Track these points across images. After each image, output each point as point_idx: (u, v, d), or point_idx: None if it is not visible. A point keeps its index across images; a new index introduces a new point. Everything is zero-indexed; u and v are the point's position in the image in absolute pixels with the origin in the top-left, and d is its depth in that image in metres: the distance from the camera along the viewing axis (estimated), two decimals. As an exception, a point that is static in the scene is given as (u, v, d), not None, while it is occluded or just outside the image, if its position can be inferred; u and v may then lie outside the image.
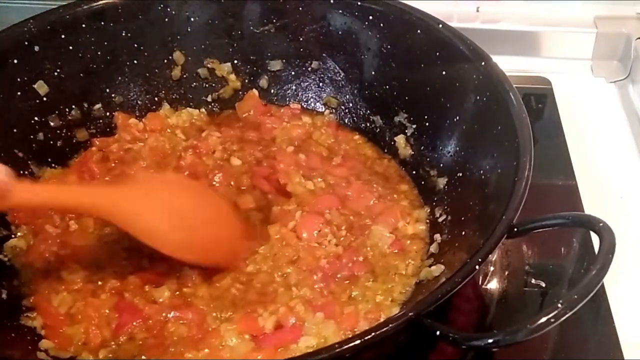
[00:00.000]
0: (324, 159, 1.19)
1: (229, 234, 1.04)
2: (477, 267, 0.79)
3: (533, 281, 1.05)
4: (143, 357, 0.92)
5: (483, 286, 1.05)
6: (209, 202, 1.05)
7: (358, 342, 0.73)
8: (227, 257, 1.03)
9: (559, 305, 0.70)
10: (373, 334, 0.74)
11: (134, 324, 0.95)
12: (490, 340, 0.72)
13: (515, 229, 0.83)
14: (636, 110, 1.37)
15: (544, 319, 0.71)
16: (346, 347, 0.73)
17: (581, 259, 1.11)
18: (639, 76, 1.42)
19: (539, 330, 0.70)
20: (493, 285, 1.05)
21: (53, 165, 1.16)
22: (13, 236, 1.06)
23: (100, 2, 1.19)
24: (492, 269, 1.07)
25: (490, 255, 0.81)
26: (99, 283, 1.00)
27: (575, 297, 0.71)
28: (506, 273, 1.06)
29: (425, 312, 0.75)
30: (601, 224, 0.79)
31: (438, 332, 0.74)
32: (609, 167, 1.27)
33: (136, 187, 1.00)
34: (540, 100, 1.39)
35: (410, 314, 0.75)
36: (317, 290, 0.98)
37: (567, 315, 0.71)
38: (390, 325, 0.74)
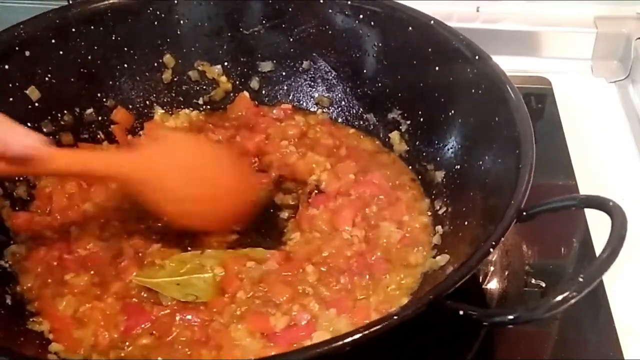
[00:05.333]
0: (330, 152, 1.19)
1: (238, 195, 1.09)
2: (491, 250, 0.79)
3: (533, 281, 1.05)
4: (153, 358, 0.90)
5: (483, 286, 1.05)
6: (223, 164, 1.10)
7: (379, 326, 0.72)
8: (230, 220, 1.07)
9: (580, 279, 0.71)
10: (395, 317, 0.73)
11: (142, 326, 0.94)
12: (511, 317, 0.73)
13: (525, 213, 0.84)
14: (636, 110, 1.37)
15: (563, 295, 0.71)
16: (369, 331, 0.72)
17: (581, 259, 1.11)
18: (639, 76, 1.42)
19: (561, 305, 0.71)
20: (493, 285, 1.05)
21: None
22: (12, 242, 1.04)
23: (90, 6, 1.18)
24: (492, 269, 1.07)
25: (502, 239, 0.81)
26: (103, 287, 0.98)
27: (595, 270, 0.72)
28: (506, 273, 1.06)
29: (445, 295, 0.76)
30: (611, 204, 0.79)
31: (461, 312, 0.74)
32: (609, 167, 1.26)
33: (154, 151, 1.04)
34: (540, 100, 1.39)
35: (430, 296, 0.75)
36: (331, 286, 0.98)
37: (586, 291, 0.71)
38: (413, 308, 0.74)
